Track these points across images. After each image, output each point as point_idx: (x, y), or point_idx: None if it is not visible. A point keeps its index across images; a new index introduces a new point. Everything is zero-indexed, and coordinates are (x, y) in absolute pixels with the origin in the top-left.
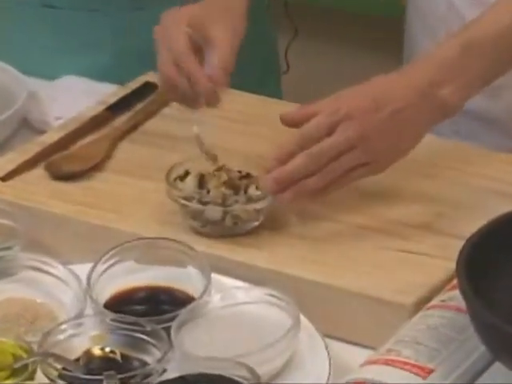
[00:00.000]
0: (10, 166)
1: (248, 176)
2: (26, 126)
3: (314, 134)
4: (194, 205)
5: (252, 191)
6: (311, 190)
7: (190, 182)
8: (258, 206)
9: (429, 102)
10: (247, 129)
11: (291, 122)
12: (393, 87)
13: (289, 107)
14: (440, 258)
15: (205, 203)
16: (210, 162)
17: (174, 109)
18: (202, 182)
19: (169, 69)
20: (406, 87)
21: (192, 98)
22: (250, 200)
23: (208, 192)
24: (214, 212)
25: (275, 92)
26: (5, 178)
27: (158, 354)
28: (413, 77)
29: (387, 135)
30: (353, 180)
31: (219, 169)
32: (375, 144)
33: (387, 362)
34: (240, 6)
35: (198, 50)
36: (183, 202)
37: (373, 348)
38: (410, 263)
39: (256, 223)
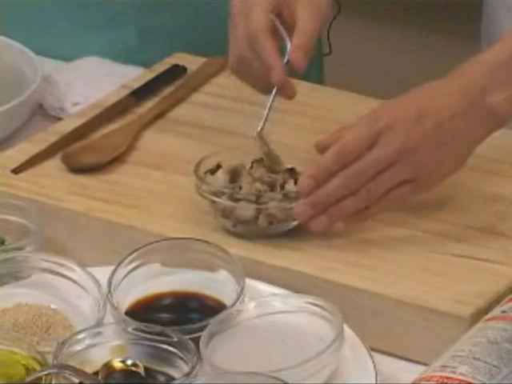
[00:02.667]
0: (23, 157)
1: (288, 171)
2: (41, 112)
3: (353, 148)
4: (224, 201)
5: (289, 187)
6: (349, 212)
7: (221, 176)
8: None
9: (479, 110)
10: (284, 119)
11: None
12: (438, 95)
13: (331, 94)
14: (503, 264)
15: (236, 200)
16: (272, 164)
17: (204, 94)
18: (234, 176)
19: (242, 45)
20: (453, 95)
21: (264, 82)
22: (286, 197)
23: (240, 187)
24: (245, 210)
25: (316, 77)
26: (17, 170)
27: (185, 367)
28: (461, 83)
29: (433, 148)
30: (396, 201)
31: (256, 162)
32: (420, 158)
33: (442, 380)
34: None
35: (279, 38)
36: (212, 197)
37: (425, 364)
38: (468, 270)
39: (294, 223)
